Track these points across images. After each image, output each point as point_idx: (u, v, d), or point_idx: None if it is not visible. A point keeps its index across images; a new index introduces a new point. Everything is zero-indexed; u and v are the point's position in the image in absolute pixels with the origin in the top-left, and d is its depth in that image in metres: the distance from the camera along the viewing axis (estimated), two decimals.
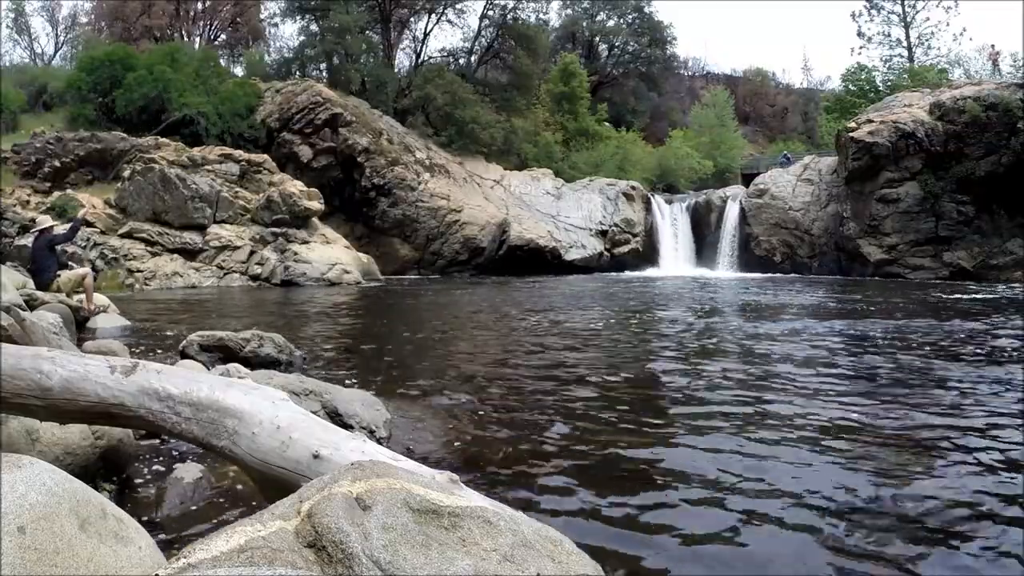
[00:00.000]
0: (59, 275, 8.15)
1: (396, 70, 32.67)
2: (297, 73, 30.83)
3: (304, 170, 22.42)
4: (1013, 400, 4.31)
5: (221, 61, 31.59)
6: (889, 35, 35.51)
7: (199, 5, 36.44)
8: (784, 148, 36.32)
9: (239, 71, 33.04)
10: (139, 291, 15.18)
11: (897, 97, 23.48)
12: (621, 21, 42.30)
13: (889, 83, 30.52)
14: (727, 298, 13.18)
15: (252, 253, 18.16)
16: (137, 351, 5.65)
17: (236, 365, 4.38)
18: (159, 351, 5.80)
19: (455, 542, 1.19)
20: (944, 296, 13.07)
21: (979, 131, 19.48)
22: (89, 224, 16.49)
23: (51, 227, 8.69)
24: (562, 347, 6.79)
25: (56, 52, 38.84)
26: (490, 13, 33.86)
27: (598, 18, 43.07)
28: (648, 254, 26.42)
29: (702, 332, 8.04)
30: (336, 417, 3.25)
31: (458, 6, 33.61)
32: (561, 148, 31.70)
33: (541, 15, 37.36)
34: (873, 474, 3.00)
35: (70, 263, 11.22)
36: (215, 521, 2.38)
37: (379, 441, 2.96)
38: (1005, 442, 3.43)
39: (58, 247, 8.66)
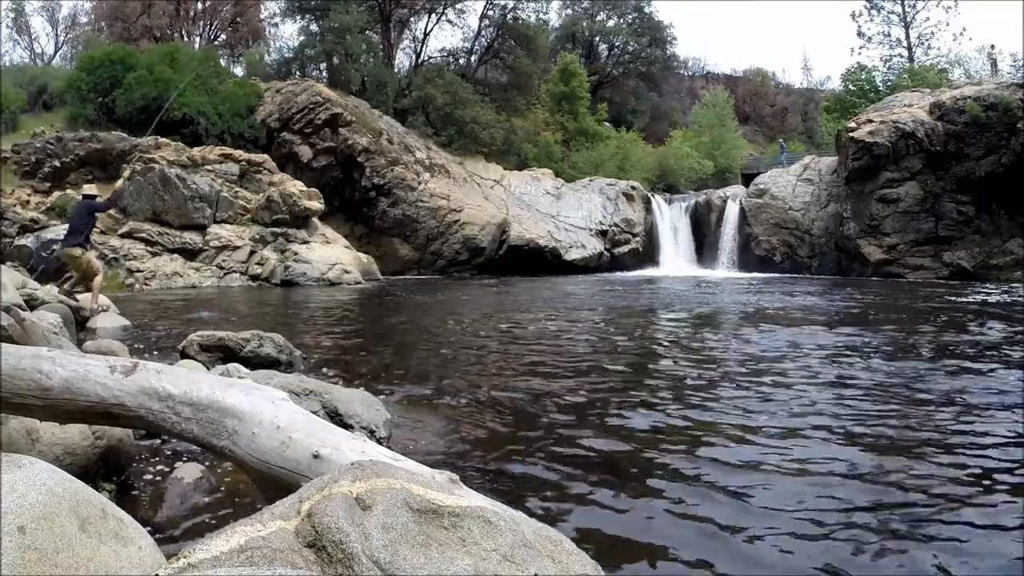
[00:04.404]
0: (89, 246, 8.49)
1: (396, 70, 32.64)
2: (297, 73, 30.81)
3: (304, 170, 22.41)
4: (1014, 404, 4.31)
5: (221, 61, 31.57)
6: (889, 35, 35.51)
7: (199, 5, 36.41)
8: (781, 139, 36.52)
9: (239, 71, 33.05)
10: (139, 291, 15.18)
11: (897, 97, 23.45)
12: (621, 21, 42.30)
13: (889, 83, 30.46)
14: (727, 299, 13.18)
15: (252, 253, 18.16)
16: (137, 351, 5.66)
17: (236, 365, 4.38)
18: (159, 351, 5.80)
19: (455, 542, 1.19)
20: (944, 297, 13.06)
21: (979, 131, 19.47)
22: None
23: (95, 196, 9.13)
24: (562, 347, 6.79)
25: (56, 52, 38.88)
26: (490, 13, 33.88)
27: (598, 18, 43.06)
28: (648, 254, 26.43)
29: (702, 334, 8.04)
30: (336, 417, 3.25)
31: (458, 6, 33.63)
32: (561, 148, 31.68)
33: (541, 15, 37.37)
34: (874, 482, 3.00)
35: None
36: (215, 521, 2.38)
37: (379, 441, 2.96)
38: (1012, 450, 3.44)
39: (96, 214, 8.94)
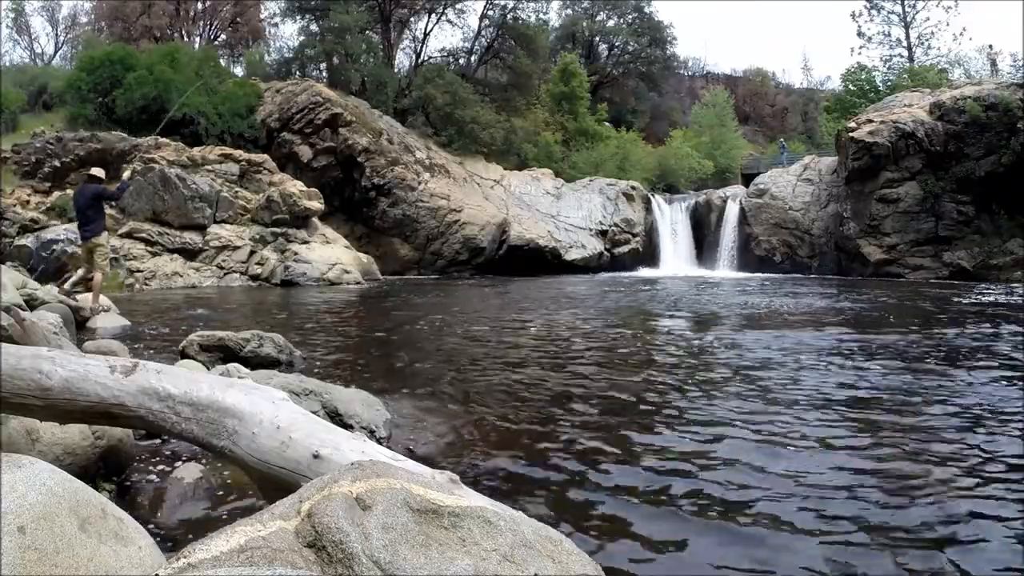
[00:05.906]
0: (103, 232, 8.20)
1: (396, 70, 32.61)
2: (297, 73, 30.80)
3: (304, 170, 22.40)
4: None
5: (221, 61, 31.55)
6: (889, 35, 35.53)
7: (199, 5, 36.40)
8: (782, 139, 36.60)
9: (239, 71, 33.04)
10: (139, 291, 15.18)
11: (897, 97, 23.44)
12: (621, 21, 42.30)
13: (889, 83, 30.45)
14: (727, 300, 13.17)
15: (252, 253, 18.16)
16: (137, 351, 5.65)
17: (236, 365, 4.38)
18: (159, 351, 5.80)
19: (455, 542, 1.19)
20: (945, 297, 13.06)
21: (979, 131, 19.46)
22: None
23: (99, 177, 8.52)
24: (560, 348, 6.79)
25: (56, 52, 38.87)
26: (490, 13, 33.86)
27: (598, 18, 43.06)
28: (648, 254, 26.43)
29: (701, 336, 8.04)
30: (336, 417, 3.25)
31: (458, 6, 33.60)
32: (561, 148, 31.67)
33: (541, 15, 37.35)
34: (876, 490, 3.00)
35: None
36: (215, 521, 2.38)
37: (379, 441, 2.96)
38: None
39: (105, 203, 8.54)
